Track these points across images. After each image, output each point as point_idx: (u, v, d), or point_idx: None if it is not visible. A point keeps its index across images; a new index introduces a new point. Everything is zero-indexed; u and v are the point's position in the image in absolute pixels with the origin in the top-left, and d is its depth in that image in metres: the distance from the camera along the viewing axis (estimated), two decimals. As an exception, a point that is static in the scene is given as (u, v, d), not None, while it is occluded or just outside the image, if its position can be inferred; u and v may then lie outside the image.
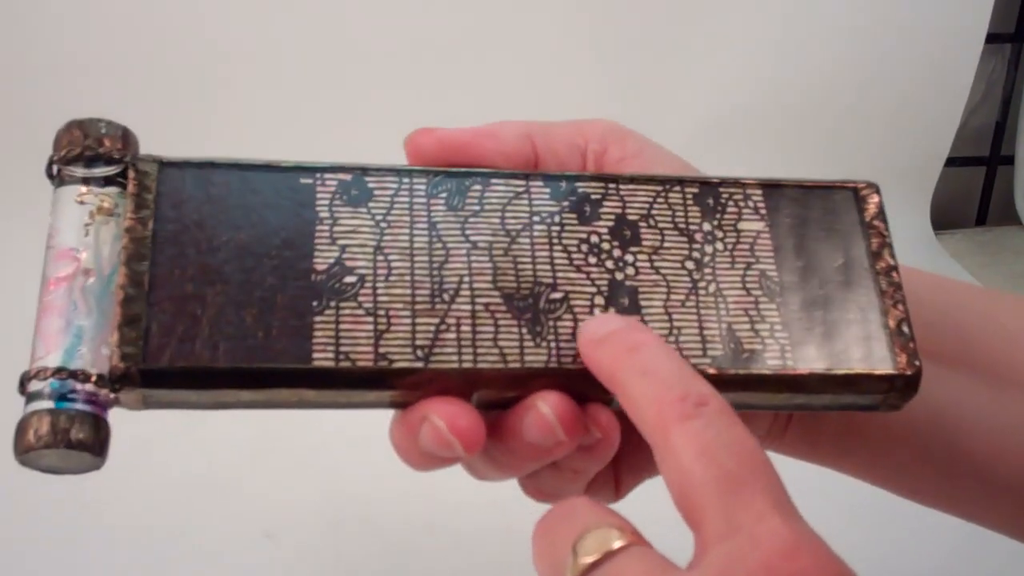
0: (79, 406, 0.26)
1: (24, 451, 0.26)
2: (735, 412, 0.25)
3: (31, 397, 0.26)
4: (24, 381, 0.26)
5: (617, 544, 0.24)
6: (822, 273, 0.31)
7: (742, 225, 0.32)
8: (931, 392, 0.32)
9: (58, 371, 0.26)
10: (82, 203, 0.29)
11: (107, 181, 0.29)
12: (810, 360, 0.30)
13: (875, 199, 0.33)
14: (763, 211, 0.32)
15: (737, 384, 0.30)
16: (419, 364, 0.28)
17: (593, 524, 0.24)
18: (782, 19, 0.81)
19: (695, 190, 0.32)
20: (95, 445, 0.26)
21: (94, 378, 0.26)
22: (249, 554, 0.53)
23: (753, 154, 0.84)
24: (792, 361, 0.30)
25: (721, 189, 0.33)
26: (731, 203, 0.32)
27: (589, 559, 0.24)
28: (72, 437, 0.26)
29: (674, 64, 0.81)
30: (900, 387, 0.30)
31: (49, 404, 0.26)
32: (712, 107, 0.83)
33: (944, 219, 0.88)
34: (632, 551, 0.24)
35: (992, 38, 0.84)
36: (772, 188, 0.33)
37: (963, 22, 0.82)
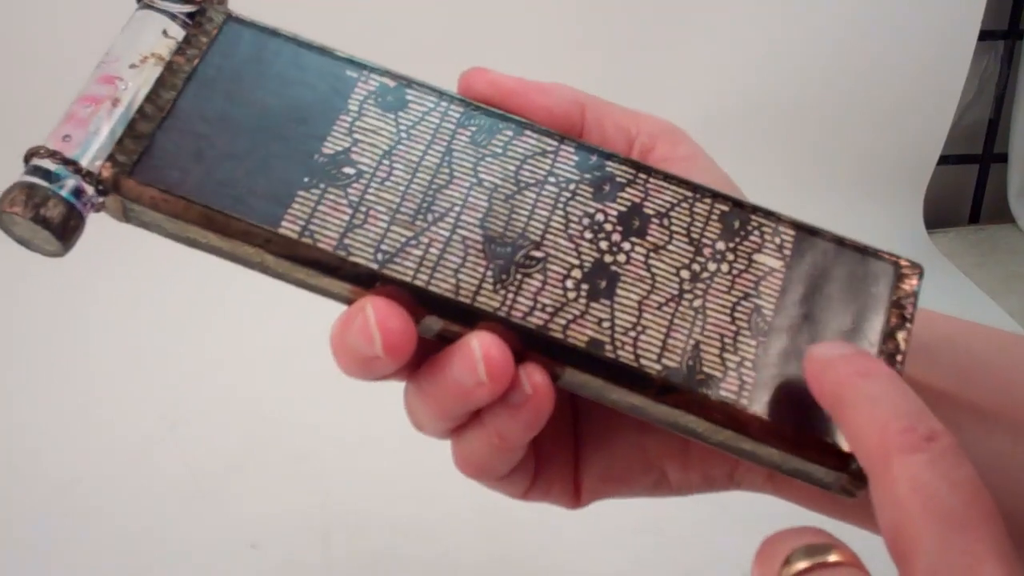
0: (62, 192, 0.28)
1: (0, 211, 0.28)
2: (967, 455, 0.24)
3: (29, 170, 0.28)
4: (29, 155, 0.28)
5: (832, 558, 0.23)
6: (822, 330, 0.30)
7: (758, 257, 0.31)
8: (970, 447, 0.31)
9: (58, 155, 0.28)
10: (148, 38, 0.31)
11: (183, 23, 0.31)
12: (764, 405, 0.28)
13: (914, 282, 0.31)
14: (787, 251, 0.31)
15: (676, 398, 0.28)
16: (373, 265, 0.29)
17: (814, 540, 0.24)
18: (775, 17, 0.80)
19: (725, 208, 0.31)
20: (60, 230, 0.28)
21: (85, 173, 0.28)
22: (235, 565, 0.53)
23: (745, 151, 0.84)
24: (746, 400, 0.28)
25: (753, 216, 0.31)
26: (756, 232, 0.31)
27: (801, 565, 0.23)
28: (42, 212, 0.28)
29: (667, 62, 0.81)
30: (854, 471, 0.28)
31: (37, 179, 0.28)
32: (705, 105, 0.82)
33: (937, 217, 0.88)
34: (847, 570, 0.23)
35: (985, 35, 0.83)
36: (806, 232, 0.31)
37: (956, 19, 0.82)
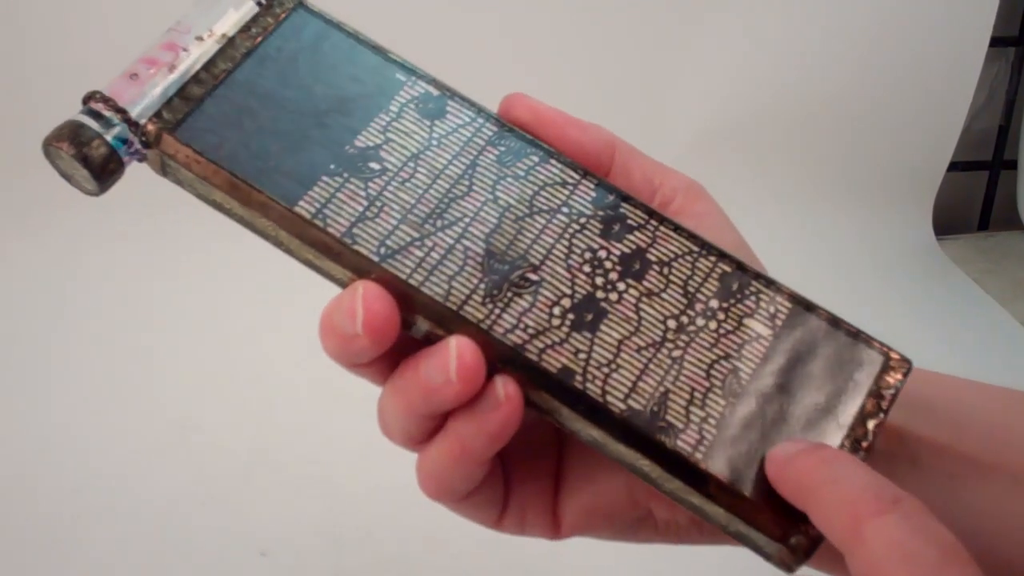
0: (108, 136, 0.30)
1: (48, 142, 0.30)
2: (931, 512, 0.25)
3: (82, 111, 0.30)
4: (86, 98, 0.31)
5: None
6: (794, 402, 0.30)
7: (748, 321, 0.31)
8: (964, 502, 0.32)
9: (111, 102, 0.30)
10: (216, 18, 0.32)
11: (256, 1, 0.33)
12: (718, 464, 0.29)
13: (899, 376, 0.31)
14: (779, 321, 0.31)
15: (633, 439, 0.29)
16: (374, 257, 0.30)
17: None
18: (786, 24, 0.80)
19: (728, 269, 0.32)
20: (99, 171, 0.30)
21: (132, 122, 0.30)
22: (245, 572, 0.53)
23: (756, 158, 0.84)
24: (701, 456, 0.29)
25: (754, 282, 0.32)
26: (753, 298, 0.31)
27: None
28: (85, 151, 0.30)
29: (680, 69, 0.81)
30: (793, 545, 0.28)
31: (87, 119, 0.30)
32: (715, 112, 0.82)
33: (946, 224, 0.88)
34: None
35: (996, 42, 0.83)
36: (802, 307, 0.32)
37: (967, 26, 0.82)
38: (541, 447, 0.34)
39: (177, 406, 0.64)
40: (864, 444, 0.30)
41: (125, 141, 0.30)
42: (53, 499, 0.57)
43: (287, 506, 0.57)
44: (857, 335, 0.32)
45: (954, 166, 0.86)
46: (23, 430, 0.62)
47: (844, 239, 0.84)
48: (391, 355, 0.30)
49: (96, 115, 0.30)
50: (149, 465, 0.59)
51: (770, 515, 0.28)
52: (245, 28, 0.32)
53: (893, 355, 0.31)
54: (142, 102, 0.31)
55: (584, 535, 0.34)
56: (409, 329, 0.30)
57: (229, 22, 0.32)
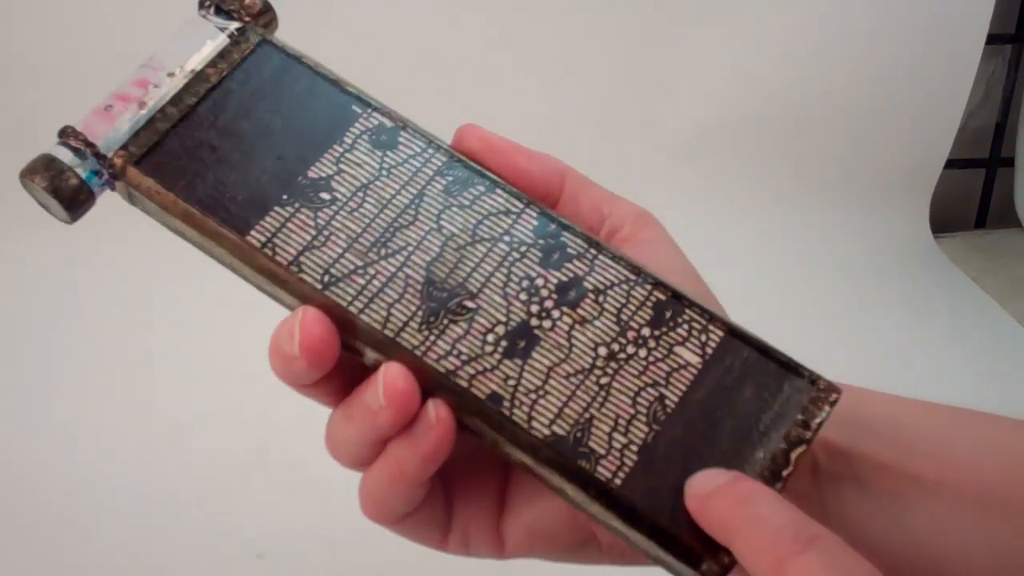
0: (79, 169, 0.32)
1: (23, 174, 0.32)
2: (848, 547, 0.26)
3: (60, 144, 0.32)
4: (63, 132, 0.32)
5: None
6: (718, 430, 0.30)
7: (679, 349, 0.31)
8: (909, 520, 0.32)
9: (82, 137, 0.32)
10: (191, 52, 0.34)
11: (229, 36, 0.34)
12: (635, 490, 0.29)
13: (825, 407, 0.31)
14: (709, 349, 0.31)
15: (556, 464, 0.30)
16: (317, 285, 0.31)
17: None
18: (783, 23, 0.80)
19: (663, 297, 0.32)
20: (70, 202, 0.32)
21: (101, 156, 0.32)
22: (241, 574, 0.53)
23: (753, 156, 0.84)
24: (619, 481, 0.29)
25: (688, 310, 0.32)
26: (685, 326, 0.32)
27: None
28: (57, 184, 0.31)
29: (675, 68, 0.81)
30: (705, 571, 0.29)
31: (60, 154, 0.32)
32: (712, 112, 0.82)
33: (943, 222, 0.88)
34: None
35: (992, 39, 0.83)
36: (735, 336, 0.32)
37: (963, 23, 0.82)
38: (485, 469, 0.35)
39: (175, 408, 0.64)
40: (784, 473, 0.30)
41: (97, 172, 0.32)
42: (51, 500, 0.57)
43: (284, 508, 0.57)
44: (787, 365, 0.32)
45: (951, 164, 0.86)
46: (21, 431, 0.62)
47: (841, 237, 0.84)
48: (339, 380, 0.31)
49: (68, 149, 0.32)
50: (147, 467, 0.59)
51: (686, 541, 0.29)
52: (212, 63, 0.34)
53: (821, 384, 0.31)
54: (112, 135, 0.32)
55: (529, 556, 0.35)
56: (361, 357, 0.31)
57: (201, 56, 0.34)
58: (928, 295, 0.80)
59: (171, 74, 0.33)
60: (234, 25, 0.34)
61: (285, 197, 0.32)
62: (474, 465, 0.34)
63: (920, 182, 0.86)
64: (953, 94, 0.84)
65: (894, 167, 0.86)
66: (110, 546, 0.54)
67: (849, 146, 0.85)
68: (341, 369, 0.31)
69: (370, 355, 0.31)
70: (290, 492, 0.58)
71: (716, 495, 0.28)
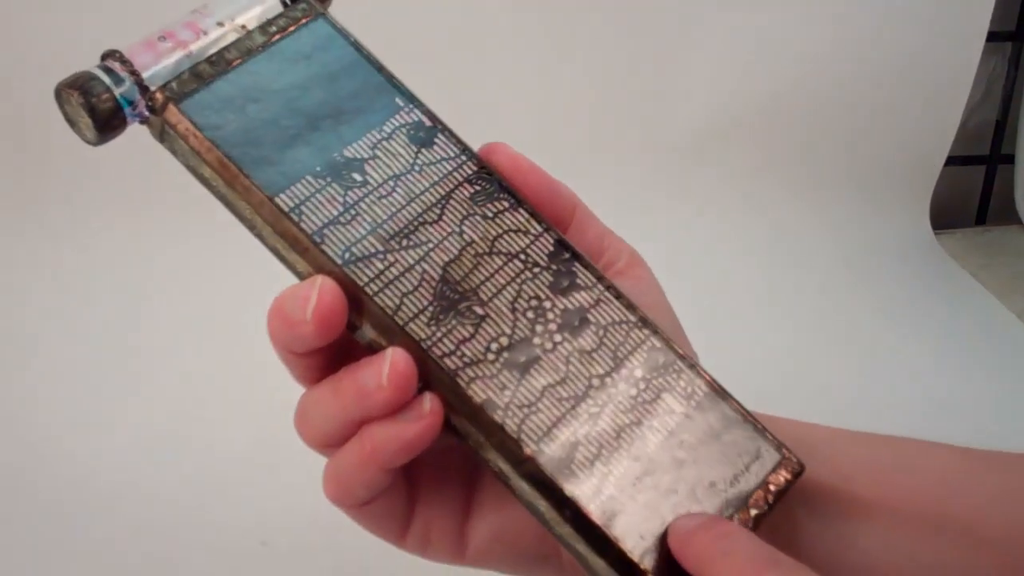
0: (117, 93, 0.31)
1: (60, 87, 0.31)
2: (809, 569, 0.28)
3: (101, 67, 0.32)
4: (105, 55, 0.32)
5: None
6: (690, 477, 0.32)
7: (666, 396, 0.33)
8: (853, 540, 0.34)
9: (128, 64, 0.32)
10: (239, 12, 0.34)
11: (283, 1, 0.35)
12: (609, 520, 0.30)
13: (787, 476, 0.33)
14: (693, 402, 0.33)
15: (536, 479, 0.30)
16: (337, 260, 0.31)
17: None
18: (784, 20, 0.81)
19: (658, 344, 0.34)
20: (102, 123, 0.31)
21: (142, 86, 0.32)
22: (245, 562, 0.53)
23: (753, 154, 0.84)
24: (595, 507, 0.30)
25: (679, 362, 0.33)
26: (674, 376, 0.33)
27: None
28: (92, 101, 0.31)
29: (673, 67, 0.81)
30: None
31: (103, 74, 0.32)
32: (713, 109, 0.83)
33: (944, 219, 0.88)
34: None
35: (992, 36, 0.83)
36: (718, 395, 0.33)
37: (963, 20, 0.82)
38: (454, 471, 0.35)
39: (178, 398, 0.64)
40: (749, 526, 0.32)
41: (131, 102, 0.32)
42: (54, 492, 0.57)
43: (288, 496, 0.57)
44: (763, 431, 0.33)
45: (951, 161, 0.86)
46: (24, 425, 0.62)
47: (842, 234, 0.84)
48: (325, 357, 0.32)
49: (110, 72, 0.32)
50: (151, 456, 0.60)
51: (618, 548, 0.30)
52: (264, 24, 0.34)
53: (787, 455, 0.33)
54: (155, 70, 0.32)
55: (487, 565, 0.35)
56: (354, 333, 0.32)
57: (251, 15, 0.34)
58: (928, 292, 0.80)
59: (221, 24, 0.33)
60: None
61: (319, 169, 0.32)
62: (443, 464, 0.35)
63: (920, 179, 0.87)
64: (953, 91, 0.84)
65: (894, 164, 0.86)
66: (114, 535, 0.54)
67: (849, 143, 0.85)
68: (331, 347, 0.31)
69: (367, 332, 0.31)
70: (293, 481, 0.58)
71: (697, 531, 0.30)
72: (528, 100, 0.77)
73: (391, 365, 0.30)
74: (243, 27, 0.34)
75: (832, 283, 0.80)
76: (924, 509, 0.35)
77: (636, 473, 0.31)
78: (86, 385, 0.65)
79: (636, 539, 0.30)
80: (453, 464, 0.35)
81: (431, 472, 0.35)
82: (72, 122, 0.32)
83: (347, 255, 0.31)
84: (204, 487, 0.57)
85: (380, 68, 0.35)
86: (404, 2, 0.75)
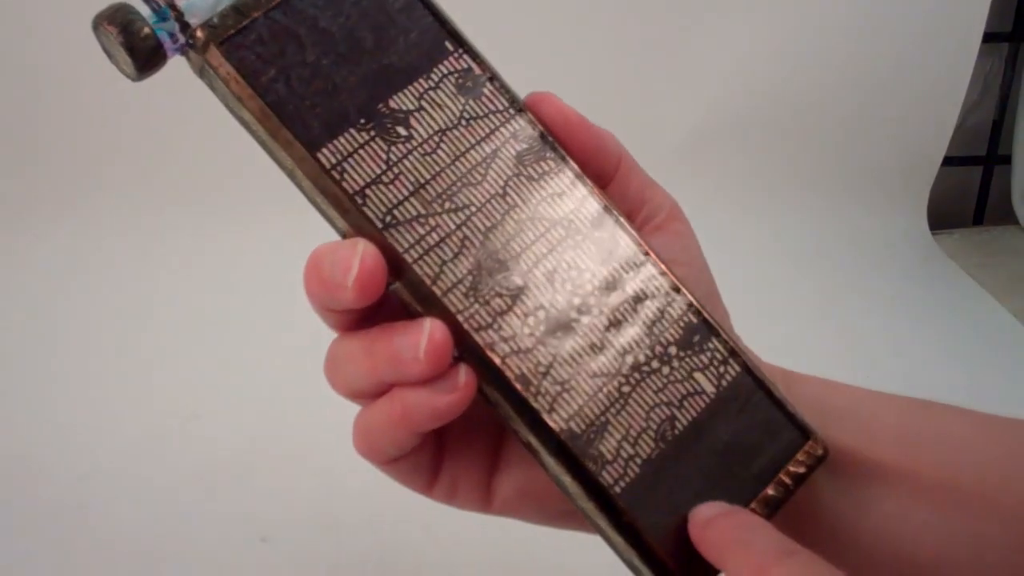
0: (159, 28, 0.30)
1: (98, 21, 0.30)
2: (823, 560, 0.28)
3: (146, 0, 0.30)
4: None
5: None
6: (715, 459, 0.32)
7: (697, 375, 0.32)
8: (875, 507, 0.34)
9: (171, 2, 0.30)
10: None
11: None
12: (631, 501, 0.30)
13: (809, 462, 0.33)
14: (724, 382, 0.32)
15: (562, 456, 0.30)
16: (378, 223, 0.30)
17: None
18: (779, 20, 0.81)
19: (695, 321, 0.33)
20: (141, 60, 0.30)
21: (183, 23, 0.30)
22: (245, 558, 0.53)
23: (751, 154, 0.84)
24: (619, 489, 0.30)
25: (713, 340, 0.33)
26: (708, 354, 0.33)
27: None
28: (131, 38, 0.30)
29: (672, 66, 0.81)
30: None
31: (142, 6, 0.30)
32: (710, 109, 0.83)
33: (941, 219, 0.88)
34: None
35: (989, 37, 0.84)
36: (750, 376, 0.33)
37: (960, 21, 0.82)
38: (482, 425, 0.35)
39: (180, 394, 0.64)
40: (765, 516, 0.32)
41: (172, 36, 0.30)
42: (59, 486, 0.57)
43: (288, 492, 0.57)
44: (791, 416, 0.33)
45: (949, 161, 0.87)
46: (29, 419, 0.62)
47: (839, 234, 0.84)
48: (362, 310, 0.31)
49: (150, 4, 0.30)
50: (153, 452, 0.60)
51: (663, 558, 0.30)
52: None
53: (812, 443, 0.33)
54: (197, 3, 0.30)
55: (512, 515, 0.35)
56: (389, 288, 0.31)
57: None
58: (926, 292, 0.80)
59: None
60: None
61: (363, 122, 0.31)
62: (471, 418, 0.34)
63: (918, 179, 0.87)
64: (950, 92, 0.84)
65: (892, 164, 0.86)
66: (118, 529, 0.54)
67: (847, 144, 0.86)
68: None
69: (404, 295, 0.30)
70: (294, 477, 0.58)
71: (716, 520, 0.30)
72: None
73: (428, 338, 0.29)
74: None
75: (830, 283, 0.80)
76: (945, 478, 0.34)
77: (662, 456, 0.31)
78: (86, 383, 0.65)
79: (657, 523, 0.30)
80: (482, 419, 0.35)
81: (460, 427, 0.34)
82: (109, 54, 0.31)
83: (388, 218, 0.30)
84: (204, 483, 0.58)
85: (432, 7, 0.33)
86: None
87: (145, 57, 0.30)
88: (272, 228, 0.72)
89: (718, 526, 0.30)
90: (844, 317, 0.76)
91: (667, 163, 0.85)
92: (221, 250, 0.75)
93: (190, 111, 0.73)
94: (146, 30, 0.30)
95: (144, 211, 0.77)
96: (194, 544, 0.54)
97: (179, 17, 0.30)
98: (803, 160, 0.85)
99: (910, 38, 0.82)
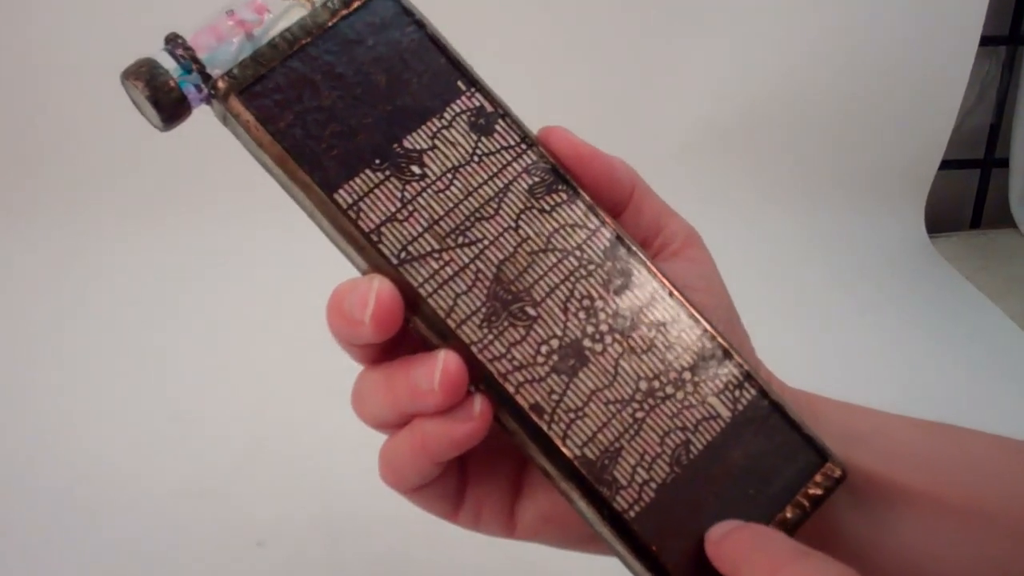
0: (183, 80, 0.31)
1: (126, 75, 0.31)
2: (837, 561, 0.28)
3: (167, 52, 0.32)
4: (168, 39, 0.32)
5: None
6: (731, 483, 0.32)
7: (712, 400, 0.32)
8: (897, 529, 0.34)
9: (191, 51, 0.31)
10: None
11: None
12: (646, 526, 0.31)
13: (827, 485, 0.32)
14: (740, 406, 0.33)
15: (578, 483, 0.31)
16: (393, 260, 0.31)
17: None
18: (777, 24, 0.81)
19: (710, 346, 0.33)
20: (168, 112, 0.31)
21: (205, 74, 0.32)
22: (241, 563, 0.53)
23: (748, 157, 0.85)
24: (633, 514, 0.31)
25: (728, 364, 0.33)
26: (723, 378, 0.33)
27: None
28: (157, 92, 0.31)
29: (670, 69, 0.81)
30: None
31: (167, 61, 0.31)
32: (707, 113, 0.83)
33: (939, 222, 0.88)
34: None
35: (986, 40, 0.84)
36: (767, 400, 0.33)
37: (957, 24, 0.82)
38: (504, 452, 0.35)
39: (177, 399, 0.64)
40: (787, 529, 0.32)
41: (196, 86, 0.32)
42: (54, 490, 0.57)
43: (284, 497, 0.57)
44: (809, 439, 0.33)
45: (946, 164, 0.87)
46: (24, 423, 0.62)
47: (837, 237, 0.84)
48: (384, 344, 0.32)
49: (175, 57, 0.31)
50: (149, 457, 0.60)
51: (662, 568, 0.30)
52: (329, 3, 0.33)
53: (829, 466, 0.33)
54: (219, 54, 0.32)
55: (537, 540, 0.36)
56: (408, 323, 0.31)
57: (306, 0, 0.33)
58: (924, 295, 0.80)
59: None
60: None
61: (378, 162, 0.32)
62: (493, 445, 0.35)
63: (915, 183, 0.87)
64: (948, 95, 0.84)
65: (890, 168, 0.86)
66: (114, 533, 0.54)
67: (844, 147, 0.86)
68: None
69: (421, 329, 0.31)
70: (290, 481, 0.58)
71: (732, 534, 0.31)
72: (525, 101, 0.77)
73: (443, 370, 0.30)
74: (310, 2, 0.32)
75: (827, 287, 0.80)
76: (970, 501, 0.35)
77: (677, 480, 0.31)
78: (84, 386, 0.65)
79: (673, 547, 0.30)
80: (504, 446, 0.35)
81: (482, 454, 0.35)
82: (137, 106, 0.32)
83: (403, 254, 0.31)
84: (201, 487, 0.58)
85: (445, 48, 0.33)
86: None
87: (171, 109, 0.31)
88: (271, 231, 0.71)
89: (733, 538, 0.30)
90: (841, 319, 0.76)
91: (664, 165, 0.86)
92: (219, 254, 0.75)
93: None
94: (171, 83, 0.31)
95: (143, 213, 0.77)
96: (190, 548, 0.54)
97: (201, 69, 0.31)
98: (800, 163, 0.85)
99: (907, 42, 0.82)
